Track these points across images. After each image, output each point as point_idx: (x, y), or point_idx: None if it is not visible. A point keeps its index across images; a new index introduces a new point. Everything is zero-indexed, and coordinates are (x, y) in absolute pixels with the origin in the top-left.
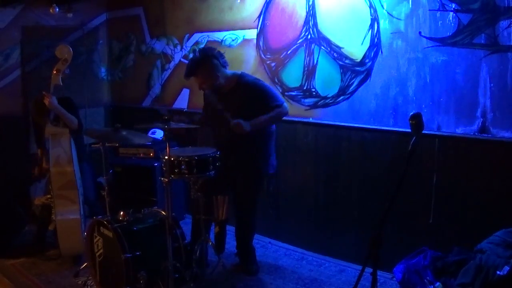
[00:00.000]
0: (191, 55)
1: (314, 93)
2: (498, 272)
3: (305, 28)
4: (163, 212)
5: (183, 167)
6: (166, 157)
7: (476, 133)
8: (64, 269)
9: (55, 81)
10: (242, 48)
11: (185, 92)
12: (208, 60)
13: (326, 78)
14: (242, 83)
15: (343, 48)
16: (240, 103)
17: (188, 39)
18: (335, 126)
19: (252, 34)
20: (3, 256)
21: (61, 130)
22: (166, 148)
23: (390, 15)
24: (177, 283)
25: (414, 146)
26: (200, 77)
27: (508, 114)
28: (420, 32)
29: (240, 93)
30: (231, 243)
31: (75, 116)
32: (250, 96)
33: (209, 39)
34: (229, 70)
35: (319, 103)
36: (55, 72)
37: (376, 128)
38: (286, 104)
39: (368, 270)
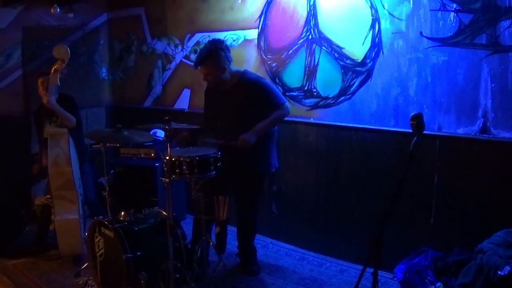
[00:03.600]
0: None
1: (315, 93)
2: (499, 272)
3: (306, 28)
4: (164, 212)
5: (184, 167)
6: (167, 157)
7: (477, 134)
8: (65, 269)
9: (53, 81)
10: (243, 48)
11: (186, 93)
12: (217, 51)
13: (327, 78)
14: (244, 80)
15: (344, 48)
16: (241, 100)
17: (189, 39)
18: (336, 127)
19: (253, 34)
20: (4, 256)
21: (60, 130)
22: (167, 149)
23: (391, 15)
24: (178, 283)
25: (415, 146)
26: (208, 67)
27: (509, 114)
28: (421, 32)
29: (241, 91)
30: (232, 243)
31: (75, 114)
32: (251, 94)
33: (210, 39)
34: (233, 67)
35: (320, 103)
36: (53, 72)
37: (377, 129)
38: (288, 104)
39: (369, 270)
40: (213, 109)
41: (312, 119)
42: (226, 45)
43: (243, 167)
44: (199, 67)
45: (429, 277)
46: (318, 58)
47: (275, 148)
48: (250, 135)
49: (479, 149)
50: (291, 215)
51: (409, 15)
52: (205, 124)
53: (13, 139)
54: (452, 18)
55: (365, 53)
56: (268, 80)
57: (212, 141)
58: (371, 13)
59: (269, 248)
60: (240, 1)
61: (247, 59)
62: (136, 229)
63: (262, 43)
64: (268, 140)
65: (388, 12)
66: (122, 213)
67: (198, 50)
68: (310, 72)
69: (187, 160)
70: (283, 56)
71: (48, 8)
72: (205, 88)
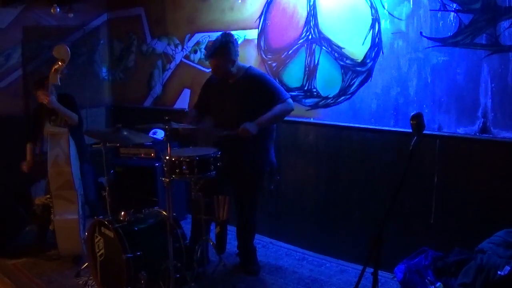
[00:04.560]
0: (192, 55)
1: (315, 93)
2: (499, 272)
3: (306, 28)
4: (164, 212)
5: (184, 167)
6: (167, 157)
7: (477, 133)
8: (65, 269)
9: (53, 81)
10: (243, 48)
11: (186, 93)
12: (230, 45)
13: (327, 78)
14: (249, 75)
15: (344, 48)
16: (244, 95)
17: (189, 39)
18: (336, 127)
19: (253, 34)
20: (4, 256)
21: (60, 130)
22: (167, 148)
23: (391, 15)
24: (178, 283)
25: (415, 146)
26: (220, 60)
27: (509, 114)
28: (421, 32)
29: (245, 85)
30: (232, 243)
31: (76, 112)
32: (254, 89)
33: (210, 39)
34: (239, 62)
35: (320, 103)
36: (53, 71)
37: (377, 128)
38: (291, 100)
39: (369, 270)
40: (215, 103)
41: (312, 119)
42: (236, 39)
43: (241, 164)
44: (210, 59)
45: (429, 277)
46: (318, 58)
47: (273, 146)
48: (252, 125)
49: (479, 149)
50: (291, 215)
51: (409, 15)
52: (199, 115)
53: (13, 139)
54: (452, 18)
55: (365, 53)
56: None
57: (213, 131)
58: (371, 13)
59: (269, 248)
60: (240, 1)
61: (247, 59)
62: (136, 229)
63: (262, 43)
64: (266, 138)
65: (388, 12)
66: (122, 213)
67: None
68: (310, 72)
69: (187, 160)
70: (283, 56)
71: (48, 8)
72: (205, 81)
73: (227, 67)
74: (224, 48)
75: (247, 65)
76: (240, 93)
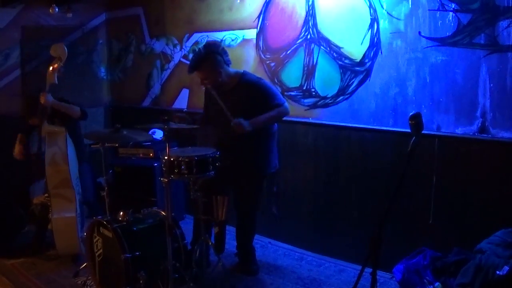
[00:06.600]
0: (190, 55)
1: (313, 93)
2: (497, 272)
3: (304, 28)
4: (162, 212)
5: (182, 167)
6: (166, 157)
7: (476, 133)
8: (64, 269)
9: (51, 80)
10: (241, 48)
11: (185, 92)
12: (212, 56)
13: (326, 78)
14: (244, 81)
15: (342, 48)
16: (241, 101)
17: (188, 39)
18: (335, 126)
19: (251, 34)
20: (3, 256)
21: (58, 129)
22: (166, 148)
23: (390, 15)
24: (176, 283)
25: (414, 146)
26: (203, 72)
27: (507, 114)
28: (419, 32)
29: (241, 92)
30: (231, 243)
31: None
32: (251, 95)
33: (209, 39)
34: (232, 69)
35: (318, 103)
36: (50, 70)
37: (376, 128)
38: (287, 104)
39: (368, 270)
40: (214, 110)
41: (310, 119)
42: (223, 48)
43: (243, 166)
44: (194, 72)
45: (427, 277)
46: (317, 58)
47: (275, 148)
48: (247, 122)
49: (477, 149)
50: (290, 215)
51: (407, 15)
52: (206, 120)
53: (12, 139)
54: (450, 18)
55: (364, 52)
56: (267, 80)
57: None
58: (370, 12)
59: (267, 248)
60: (238, 1)
61: (246, 59)
62: (135, 229)
63: (260, 43)
64: (268, 140)
65: (387, 12)
66: (121, 213)
67: (191, 56)
68: (309, 71)
69: (186, 160)
70: (281, 56)
71: (47, 8)
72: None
73: (213, 79)
74: (205, 60)
75: (241, 70)
76: (237, 101)
